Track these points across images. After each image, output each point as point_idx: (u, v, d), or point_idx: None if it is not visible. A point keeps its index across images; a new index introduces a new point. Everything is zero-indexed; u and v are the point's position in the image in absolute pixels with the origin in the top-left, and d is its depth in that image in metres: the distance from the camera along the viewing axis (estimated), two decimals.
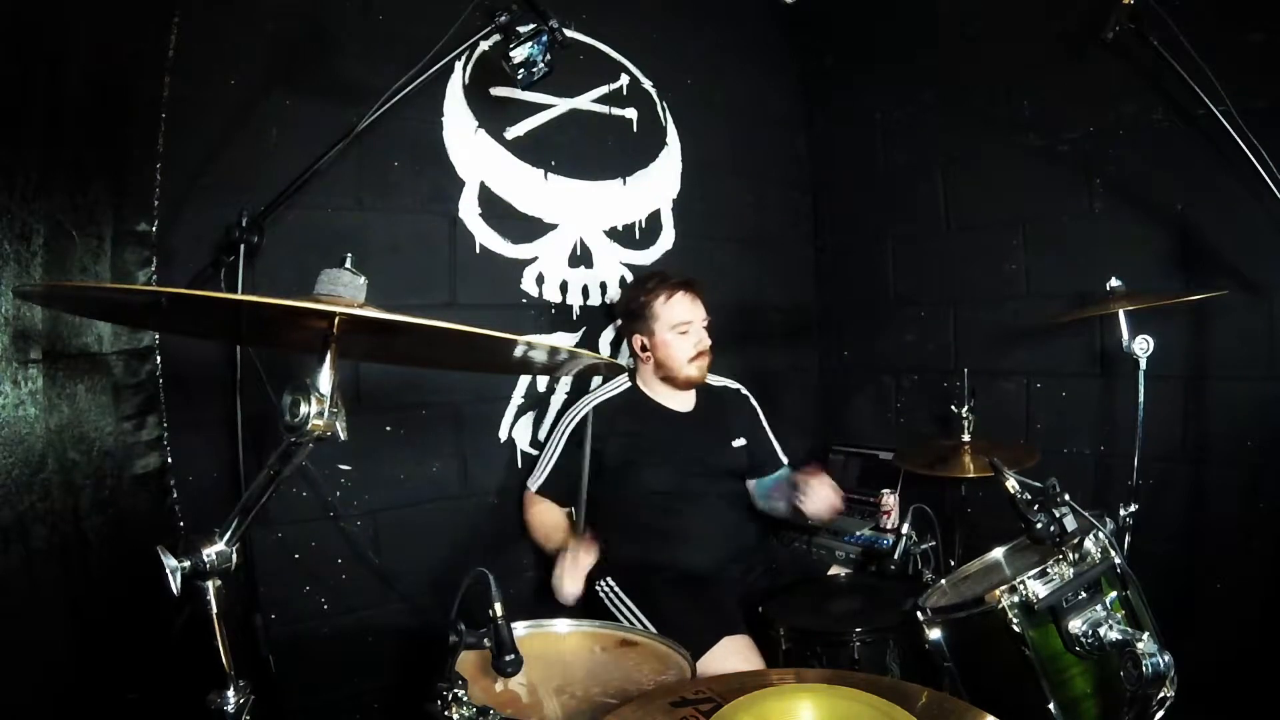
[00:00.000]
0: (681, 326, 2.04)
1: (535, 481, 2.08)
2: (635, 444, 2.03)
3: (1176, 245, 2.07)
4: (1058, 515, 1.26)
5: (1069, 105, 2.24)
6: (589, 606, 2.00)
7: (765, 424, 2.27)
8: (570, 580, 1.80)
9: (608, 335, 2.35)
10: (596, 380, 2.26)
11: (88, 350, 1.48)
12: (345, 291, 0.97)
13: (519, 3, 1.58)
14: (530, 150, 2.18)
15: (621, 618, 1.89)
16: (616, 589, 1.94)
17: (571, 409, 2.11)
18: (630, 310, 2.11)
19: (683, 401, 2.15)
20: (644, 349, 2.09)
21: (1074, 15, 2.13)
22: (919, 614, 1.43)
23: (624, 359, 2.33)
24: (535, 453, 2.19)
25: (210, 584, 0.93)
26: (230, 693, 0.96)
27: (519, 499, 2.16)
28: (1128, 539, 1.78)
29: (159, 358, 1.59)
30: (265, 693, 1.43)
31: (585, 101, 2.32)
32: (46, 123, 1.41)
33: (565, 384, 2.24)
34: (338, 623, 1.85)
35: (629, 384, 2.15)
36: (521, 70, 1.63)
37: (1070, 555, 1.29)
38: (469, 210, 2.07)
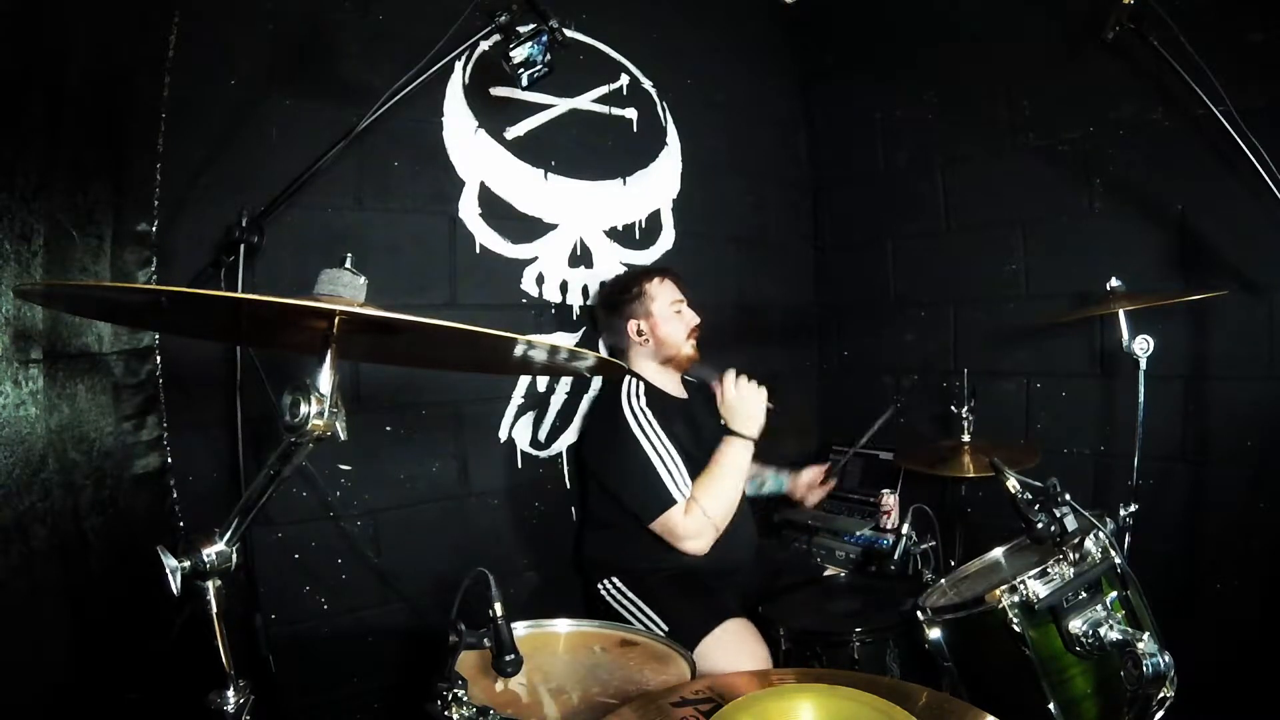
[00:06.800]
0: (677, 305, 2.08)
1: (681, 492, 1.85)
2: (675, 435, 1.95)
3: (1176, 245, 2.07)
4: (1058, 515, 1.27)
5: (1069, 105, 2.24)
6: (592, 606, 2.00)
7: None
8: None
9: None
10: (596, 381, 2.26)
11: (88, 350, 1.48)
12: (345, 291, 0.97)
13: (519, 3, 1.58)
14: (530, 150, 2.18)
15: (626, 615, 1.89)
16: (621, 587, 1.94)
17: (629, 410, 1.95)
18: (622, 298, 2.09)
19: (678, 387, 2.14)
20: (640, 332, 2.07)
21: (1074, 15, 2.12)
22: (919, 614, 1.43)
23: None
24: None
25: (210, 584, 0.93)
26: (230, 693, 0.96)
27: (519, 499, 2.15)
28: (1128, 539, 1.79)
29: (159, 358, 1.59)
30: (265, 693, 1.43)
31: (585, 101, 2.32)
32: (46, 122, 1.40)
33: (565, 384, 2.24)
34: (338, 623, 1.84)
35: (633, 378, 2.04)
36: (521, 70, 1.64)
37: (1070, 555, 1.29)
38: (469, 210, 2.07)
